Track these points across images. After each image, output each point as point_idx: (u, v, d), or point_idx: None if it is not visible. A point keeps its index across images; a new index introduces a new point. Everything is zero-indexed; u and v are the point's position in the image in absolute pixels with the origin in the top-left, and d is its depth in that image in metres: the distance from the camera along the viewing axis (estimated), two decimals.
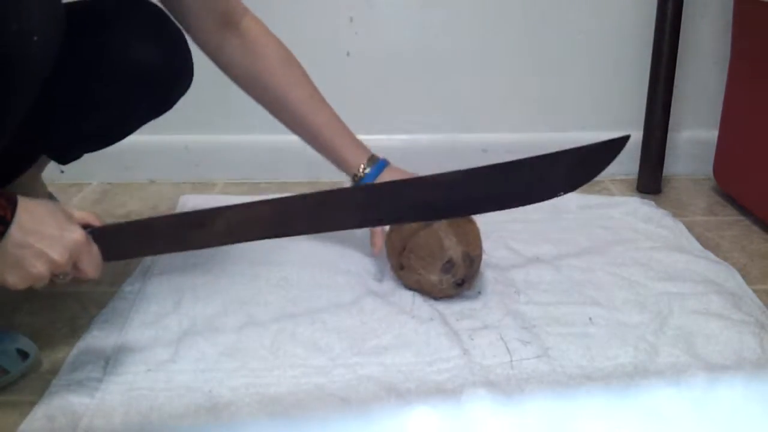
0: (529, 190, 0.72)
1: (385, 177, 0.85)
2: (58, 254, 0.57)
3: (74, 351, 0.72)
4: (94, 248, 0.61)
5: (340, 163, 0.88)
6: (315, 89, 0.86)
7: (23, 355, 0.69)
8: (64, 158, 0.87)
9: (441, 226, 0.78)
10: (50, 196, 0.98)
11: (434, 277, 0.78)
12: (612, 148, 0.73)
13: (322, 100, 0.87)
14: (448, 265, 0.77)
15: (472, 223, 0.81)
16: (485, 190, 0.71)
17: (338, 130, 0.87)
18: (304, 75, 0.86)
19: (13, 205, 0.56)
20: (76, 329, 0.77)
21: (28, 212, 0.56)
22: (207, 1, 0.78)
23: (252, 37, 0.82)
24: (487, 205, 0.73)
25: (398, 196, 0.69)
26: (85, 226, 0.61)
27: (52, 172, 0.98)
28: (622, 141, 0.72)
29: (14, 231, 0.55)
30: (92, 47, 0.75)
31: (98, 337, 0.74)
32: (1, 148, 0.66)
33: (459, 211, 0.74)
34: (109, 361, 0.70)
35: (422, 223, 0.78)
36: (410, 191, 0.69)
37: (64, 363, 0.70)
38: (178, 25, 0.79)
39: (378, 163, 0.86)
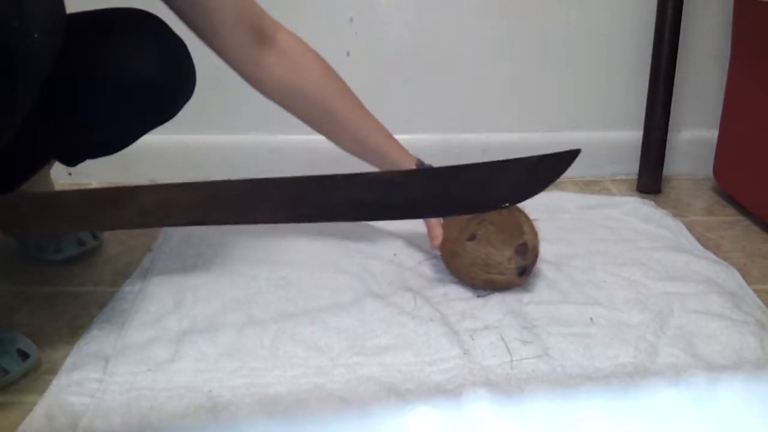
0: (474, 197, 0.69)
1: None
2: None
3: (74, 351, 0.72)
4: None
5: (392, 164, 0.88)
6: (357, 99, 0.87)
7: (23, 355, 0.69)
8: (71, 162, 0.88)
9: (516, 210, 0.80)
10: None
11: (508, 253, 0.78)
12: (562, 161, 0.69)
13: (366, 109, 0.88)
14: (522, 248, 0.78)
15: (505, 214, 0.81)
16: (425, 193, 0.67)
17: (385, 137, 0.88)
18: (346, 85, 0.86)
19: None
20: (76, 329, 0.77)
21: None
22: (238, 19, 0.77)
23: (291, 52, 0.82)
24: (426, 209, 0.70)
25: (332, 193, 0.64)
26: None
27: (53, 172, 0.98)
28: (572, 155, 0.69)
29: None
30: (96, 59, 0.75)
31: (98, 337, 0.74)
32: (4, 146, 0.66)
33: (395, 214, 0.69)
34: (109, 361, 0.70)
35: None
36: (346, 188, 0.64)
37: (64, 363, 0.70)
38: (210, 47, 0.78)
39: (425, 168, 0.87)
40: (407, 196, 0.66)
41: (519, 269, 0.79)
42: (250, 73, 0.81)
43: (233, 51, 0.79)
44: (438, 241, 0.86)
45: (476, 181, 0.67)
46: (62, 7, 0.63)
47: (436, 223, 0.87)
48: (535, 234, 0.80)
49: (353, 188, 0.65)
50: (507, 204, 0.70)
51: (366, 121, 0.87)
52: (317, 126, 0.87)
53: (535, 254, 0.81)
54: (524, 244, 0.78)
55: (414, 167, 0.87)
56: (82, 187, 1.25)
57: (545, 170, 0.69)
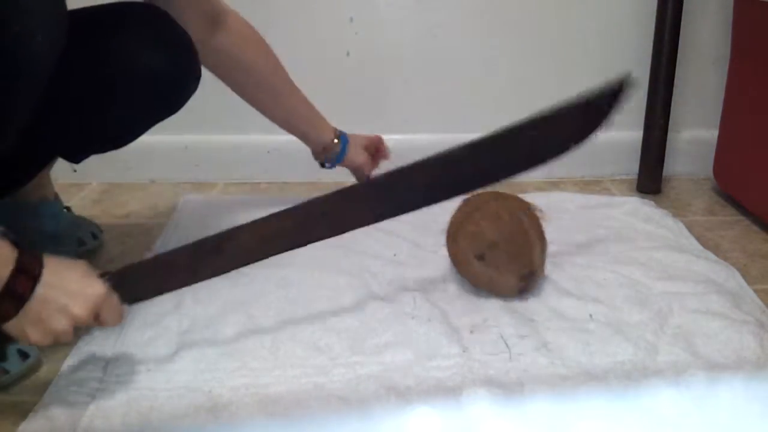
0: (538, 151, 0.69)
1: (352, 143, 1.05)
2: (79, 309, 0.58)
3: (74, 351, 0.72)
4: (114, 299, 0.61)
5: (315, 136, 1.02)
6: (287, 74, 0.98)
7: (23, 355, 0.69)
8: (76, 158, 0.88)
9: (532, 228, 0.79)
10: (55, 196, 0.98)
11: (513, 281, 0.79)
12: (615, 90, 0.69)
13: (294, 84, 0.99)
14: (528, 275, 0.79)
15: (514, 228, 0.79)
16: (493, 159, 0.68)
17: (311, 108, 1.01)
18: (279, 62, 0.97)
19: (40, 263, 0.57)
20: (76, 329, 0.76)
21: (51, 268, 0.57)
22: (195, 6, 0.85)
23: (237, 31, 0.91)
24: (500, 174, 0.69)
25: (410, 182, 0.67)
26: (103, 274, 0.61)
27: (53, 172, 0.98)
28: (623, 81, 0.69)
29: (39, 287, 0.56)
30: (101, 52, 0.75)
31: (98, 337, 0.74)
32: (9, 149, 0.66)
33: (473, 185, 0.70)
34: (109, 361, 0.70)
35: (510, 218, 0.79)
36: (421, 175, 0.67)
37: (64, 363, 0.70)
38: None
39: (342, 135, 1.04)
40: (477, 166, 0.67)
41: (521, 291, 0.80)
42: (201, 50, 0.84)
43: (186, 29, 0.81)
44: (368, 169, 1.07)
45: (537, 135, 0.69)
46: (64, 7, 0.63)
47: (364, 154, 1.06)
48: (543, 258, 0.80)
49: (429, 172, 0.66)
50: (573, 147, 0.69)
51: (296, 93, 0.99)
52: (252, 97, 0.97)
53: (540, 275, 0.82)
54: (531, 273, 0.79)
55: (334, 136, 1.03)
56: (83, 187, 1.25)
57: (600, 104, 0.70)
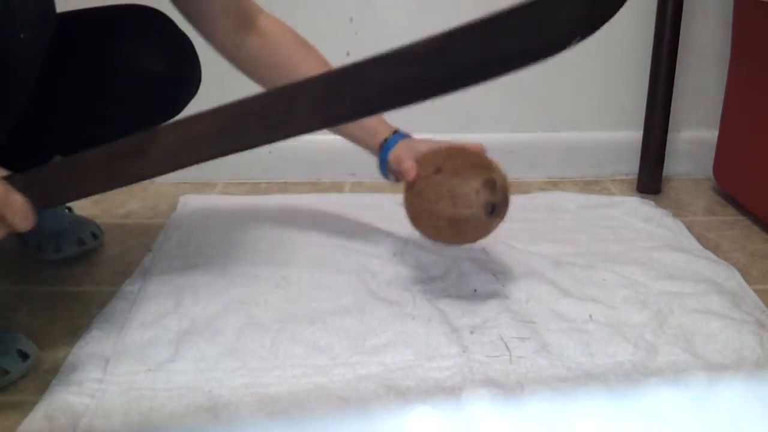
0: (534, 42, 0.57)
1: (403, 144, 0.87)
2: None
3: (74, 351, 0.72)
4: (17, 198, 0.56)
5: (366, 135, 0.89)
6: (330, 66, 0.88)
7: (23, 355, 0.69)
8: None
9: (485, 154, 0.77)
10: None
11: (475, 184, 0.72)
12: None
13: None
14: (491, 183, 0.73)
15: (475, 151, 0.79)
16: (474, 55, 0.56)
17: None
18: (323, 58, 0.89)
19: None
20: (76, 329, 0.77)
21: None
22: (224, 6, 0.79)
23: (270, 32, 0.85)
24: (478, 73, 0.58)
25: (365, 80, 0.58)
26: (5, 177, 0.57)
27: None
28: None
29: None
30: (101, 54, 0.75)
31: (98, 337, 0.74)
32: (2, 149, 0.66)
33: (444, 87, 0.59)
34: (109, 361, 0.70)
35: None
36: (379, 72, 0.57)
37: (64, 363, 0.70)
38: (196, 29, 0.79)
39: (398, 133, 0.89)
40: (453, 62, 0.56)
41: (488, 205, 0.73)
42: (232, 53, 0.83)
43: (218, 35, 0.80)
44: (412, 173, 0.79)
45: (531, 23, 0.56)
46: (50, 6, 0.63)
47: (408, 156, 0.84)
48: (504, 176, 0.75)
49: (389, 69, 0.57)
50: (578, 39, 0.56)
51: None
52: None
53: (505, 195, 0.75)
54: (492, 180, 0.73)
55: (389, 130, 0.88)
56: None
57: None
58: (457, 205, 0.73)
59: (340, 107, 0.57)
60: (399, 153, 0.85)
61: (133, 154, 0.58)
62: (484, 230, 0.76)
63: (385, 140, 0.88)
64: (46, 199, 0.59)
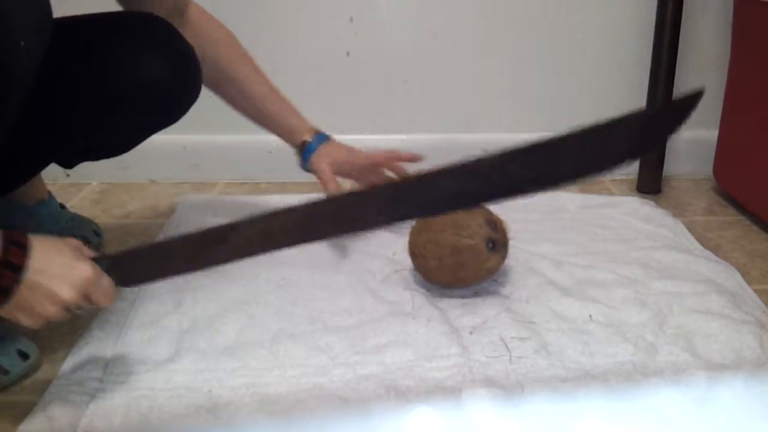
0: (584, 165, 0.61)
1: (325, 149, 0.94)
2: (66, 293, 0.57)
3: (74, 351, 0.72)
4: (105, 280, 0.61)
5: (286, 131, 0.95)
6: (256, 64, 0.93)
7: (23, 355, 0.69)
8: (70, 164, 0.88)
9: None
10: (49, 195, 0.98)
11: (479, 219, 0.78)
12: (683, 107, 0.59)
13: (264, 75, 0.93)
14: (492, 222, 0.79)
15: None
16: (529, 173, 0.62)
17: (282, 101, 0.94)
18: (246, 52, 0.92)
19: (25, 250, 0.56)
20: (76, 329, 0.77)
21: (38, 252, 0.57)
22: (158, 2, 0.82)
23: (198, 23, 0.87)
24: (532, 186, 0.63)
25: (427, 192, 0.62)
26: (97, 257, 0.61)
27: (53, 172, 0.98)
28: (694, 97, 0.57)
29: (25, 275, 0.56)
30: (101, 60, 0.75)
31: (98, 337, 0.74)
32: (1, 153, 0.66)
33: (497, 198, 0.64)
34: (109, 361, 0.70)
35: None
36: (441, 184, 0.62)
37: (64, 363, 0.70)
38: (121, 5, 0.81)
39: (320, 135, 0.95)
40: (510, 178, 0.61)
41: (489, 240, 0.78)
42: None
43: None
44: (331, 186, 0.91)
45: (586, 148, 0.61)
46: (48, 12, 0.63)
47: (326, 167, 0.93)
48: (504, 223, 0.81)
49: (451, 181, 0.62)
50: (624, 162, 0.60)
51: (264, 86, 0.93)
52: (221, 92, 0.93)
53: (505, 237, 0.80)
54: (494, 220, 0.79)
55: (310, 131, 0.94)
56: (82, 188, 1.25)
57: (663, 122, 0.61)
58: (461, 234, 0.78)
59: (404, 211, 0.62)
60: (318, 161, 0.94)
61: (216, 244, 0.63)
62: (484, 264, 0.79)
63: (306, 142, 0.95)
64: (130, 280, 0.64)
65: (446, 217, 0.79)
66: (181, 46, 0.78)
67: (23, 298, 0.56)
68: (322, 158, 0.94)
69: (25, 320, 0.58)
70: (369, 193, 0.63)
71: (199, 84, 0.82)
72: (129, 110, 0.78)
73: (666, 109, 0.60)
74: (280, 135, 0.96)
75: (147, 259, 0.64)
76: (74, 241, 0.62)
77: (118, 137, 0.84)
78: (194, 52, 0.79)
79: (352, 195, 0.64)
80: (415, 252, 0.82)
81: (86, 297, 0.59)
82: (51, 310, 0.57)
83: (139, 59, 0.75)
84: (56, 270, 0.57)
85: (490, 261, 0.79)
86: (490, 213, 0.81)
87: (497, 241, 0.79)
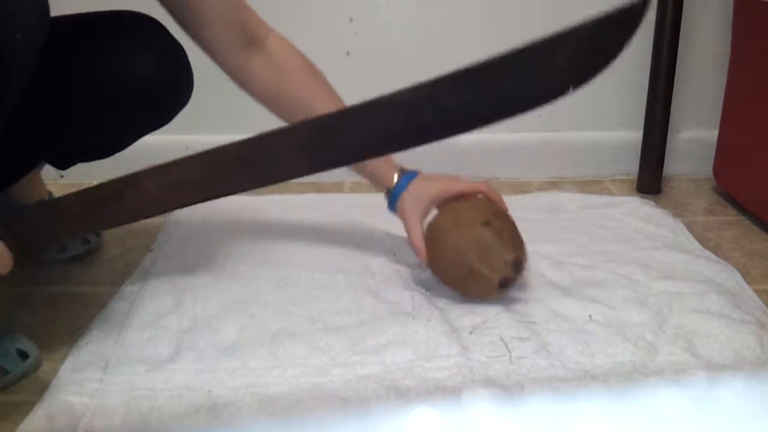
0: (525, 91, 0.55)
1: (411, 190, 0.84)
2: None
3: (74, 351, 0.72)
4: None
5: (373, 176, 0.87)
6: (342, 102, 0.85)
7: (23, 355, 0.69)
8: (63, 165, 0.88)
9: (517, 230, 0.79)
10: (49, 194, 0.98)
11: (510, 255, 0.76)
12: (626, 17, 0.52)
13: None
14: (518, 264, 0.77)
15: (514, 224, 0.80)
16: (464, 101, 0.55)
17: None
18: (331, 88, 0.86)
19: None
20: (76, 329, 0.77)
21: None
22: (224, 18, 0.77)
23: (277, 55, 0.82)
24: (469, 121, 0.56)
25: (350, 128, 0.57)
26: None
27: (53, 172, 0.98)
28: (635, 7, 0.51)
29: None
30: (93, 60, 0.75)
31: (98, 337, 0.74)
32: None
33: (433, 135, 0.57)
34: (109, 361, 0.70)
35: (475, 221, 0.77)
36: (366, 117, 0.57)
37: (64, 363, 0.70)
38: (185, 29, 0.78)
39: (405, 175, 0.85)
40: (441, 108, 0.55)
41: (505, 279, 0.77)
42: (235, 73, 0.81)
43: (221, 53, 0.79)
44: (421, 254, 0.81)
45: (525, 70, 0.54)
46: (45, 6, 0.63)
47: (416, 220, 0.83)
48: (527, 257, 0.79)
49: (375, 115, 0.57)
50: (571, 89, 0.53)
51: None
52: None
53: (521, 274, 0.78)
54: (521, 261, 0.77)
55: (396, 173, 0.85)
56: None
57: (608, 35, 0.54)
58: (484, 262, 0.76)
59: (327, 155, 0.56)
60: (402, 207, 0.84)
61: (112, 200, 0.57)
62: (487, 294, 0.79)
63: (391, 189, 0.85)
64: (24, 244, 0.59)
65: (481, 235, 0.76)
66: (172, 46, 0.78)
67: None
68: (407, 204, 0.84)
69: None
70: (286, 131, 0.57)
71: (190, 85, 0.82)
72: (119, 110, 0.77)
73: (611, 18, 0.52)
74: (368, 179, 0.88)
75: (41, 219, 0.59)
76: None
77: (110, 137, 0.84)
78: (184, 52, 0.79)
79: (266, 135, 0.56)
80: (435, 240, 0.80)
81: None
82: None
83: (130, 58, 0.75)
84: None
85: (493, 294, 0.79)
86: (521, 249, 0.78)
87: (511, 282, 0.78)
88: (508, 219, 0.80)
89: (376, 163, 0.85)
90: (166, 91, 0.79)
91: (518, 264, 0.77)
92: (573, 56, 0.54)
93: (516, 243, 0.78)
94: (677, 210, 1.13)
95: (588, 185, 1.26)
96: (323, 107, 0.81)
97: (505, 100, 0.55)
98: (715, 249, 0.97)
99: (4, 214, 0.60)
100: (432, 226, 0.82)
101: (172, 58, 0.78)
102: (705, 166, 1.25)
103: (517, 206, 0.84)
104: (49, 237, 0.61)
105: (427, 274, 0.88)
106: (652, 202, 1.12)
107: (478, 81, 0.55)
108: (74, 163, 0.88)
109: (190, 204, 0.56)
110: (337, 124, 0.57)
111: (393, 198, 0.85)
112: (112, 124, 0.80)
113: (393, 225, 1.01)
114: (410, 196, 0.83)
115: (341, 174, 1.09)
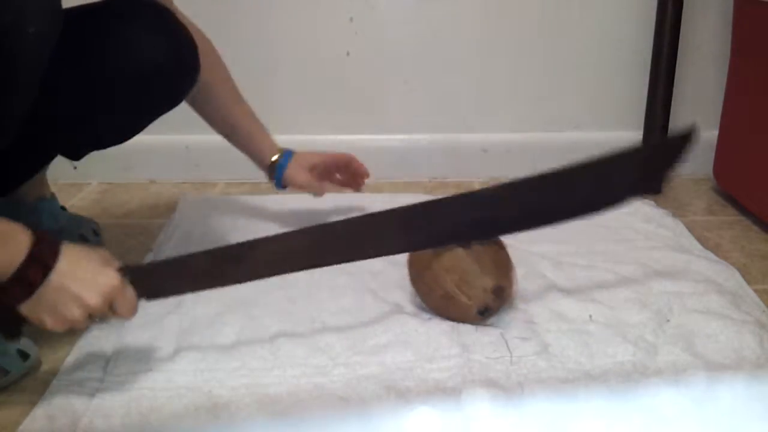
0: (590, 199, 0.63)
1: (296, 161, 0.95)
2: (92, 298, 0.58)
3: (74, 351, 0.72)
4: (129, 291, 0.62)
5: (256, 152, 0.96)
6: (233, 82, 0.92)
7: (23, 355, 0.69)
8: (77, 155, 0.88)
9: (508, 255, 0.76)
10: (52, 196, 0.98)
11: (490, 283, 0.72)
12: (678, 145, 0.62)
13: (240, 93, 0.94)
14: (500, 291, 0.73)
15: (504, 250, 0.76)
16: (540, 203, 0.64)
17: (255, 121, 0.95)
18: (225, 67, 0.92)
19: (55, 253, 0.57)
20: (76, 329, 0.77)
21: (68, 256, 0.57)
22: None
23: None
24: (540, 219, 0.66)
25: (443, 216, 0.65)
26: (122, 267, 0.62)
27: (53, 172, 0.98)
28: (687, 136, 0.61)
29: (53, 275, 0.56)
30: (102, 45, 0.75)
31: (98, 337, 0.74)
32: (10, 143, 0.66)
33: (511, 228, 0.67)
34: (109, 361, 0.70)
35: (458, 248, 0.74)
36: (456, 210, 0.64)
37: (64, 363, 0.70)
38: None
39: (286, 152, 0.96)
40: (519, 208, 0.64)
41: (483, 308, 0.73)
42: None
43: None
44: (323, 187, 0.96)
45: (591, 182, 0.63)
46: (58, 2, 0.63)
47: (300, 172, 0.95)
48: (513, 284, 0.76)
49: (465, 209, 0.65)
50: (628, 200, 0.63)
51: (240, 105, 0.94)
52: (197, 107, 0.92)
53: (503, 304, 0.76)
54: (502, 289, 0.73)
55: (276, 153, 0.95)
56: (82, 187, 1.25)
57: (661, 159, 0.64)
58: (461, 289, 0.73)
59: (416, 238, 0.66)
60: (294, 174, 0.96)
61: (235, 261, 0.65)
62: (467, 320, 0.76)
63: (275, 162, 0.96)
64: (150, 293, 0.65)
65: (460, 259, 0.72)
66: (178, 29, 0.78)
67: (49, 298, 0.57)
68: (297, 170, 0.96)
69: (49, 321, 0.58)
70: (384, 218, 0.65)
71: (197, 65, 0.82)
72: (128, 94, 0.78)
73: (662, 145, 0.63)
74: (249, 155, 0.97)
75: (168, 273, 0.66)
76: (102, 251, 0.62)
77: (120, 122, 0.84)
78: (191, 34, 0.79)
79: (368, 218, 0.65)
80: (414, 263, 0.78)
81: (110, 305, 0.60)
82: (75, 314, 0.58)
83: (137, 43, 0.76)
84: (84, 275, 0.58)
85: (474, 321, 0.75)
86: (504, 276, 0.74)
87: (491, 310, 0.74)
88: (494, 245, 0.75)
89: (262, 137, 0.96)
90: (175, 71, 0.79)
91: (500, 291, 0.73)
92: (638, 170, 0.63)
93: (499, 269, 0.74)
94: (677, 210, 1.13)
95: None
96: (220, 89, 0.91)
97: (575, 205, 0.64)
98: (715, 249, 0.97)
99: (136, 266, 0.64)
100: (413, 259, 0.79)
101: (178, 38, 0.78)
102: (705, 166, 1.25)
103: None
104: (173, 290, 0.67)
105: None
106: (652, 202, 1.12)
107: (552, 187, 0.64)
108: (88, 152, 0.88)
109: (294, 270, 0.66)
110: (430, 215, 0.65)
111: (278, 173, 0.96)
112: (122, 109, 0.80)
113: None
114: (294, 165, 0.96)
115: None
